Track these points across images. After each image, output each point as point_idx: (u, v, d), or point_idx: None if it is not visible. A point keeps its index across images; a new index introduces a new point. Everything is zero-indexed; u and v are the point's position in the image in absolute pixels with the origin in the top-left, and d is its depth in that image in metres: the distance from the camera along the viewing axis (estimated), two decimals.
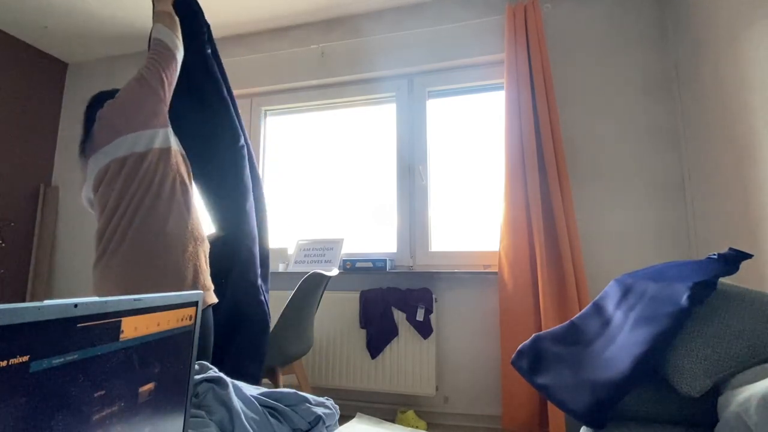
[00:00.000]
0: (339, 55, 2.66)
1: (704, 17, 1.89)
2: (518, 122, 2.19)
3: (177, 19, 1.41)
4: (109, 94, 1.40)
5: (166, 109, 1.29)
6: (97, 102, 1.39)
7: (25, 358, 0.35)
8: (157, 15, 1.38)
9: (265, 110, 2.87)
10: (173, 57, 1.32)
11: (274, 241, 2.74)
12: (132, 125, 1.21)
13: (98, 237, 1.19)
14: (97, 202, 1.22)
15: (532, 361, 1.19)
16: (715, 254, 1.09)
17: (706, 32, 1.88)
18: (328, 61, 2.67)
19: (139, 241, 1.15)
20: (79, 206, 3.10)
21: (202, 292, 0.63)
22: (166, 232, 1.17)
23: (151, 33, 1.38)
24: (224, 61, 2.86)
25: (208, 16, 2.73)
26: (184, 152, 1.34)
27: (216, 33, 2.95)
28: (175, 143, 1.29)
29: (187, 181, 1.28)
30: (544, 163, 2.12)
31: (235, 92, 2.82)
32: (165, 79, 1.28)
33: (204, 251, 1.28)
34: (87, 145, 1.29)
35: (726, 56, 1.74)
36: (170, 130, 1.29)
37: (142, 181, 1.17)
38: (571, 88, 2.30)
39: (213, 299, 1.29)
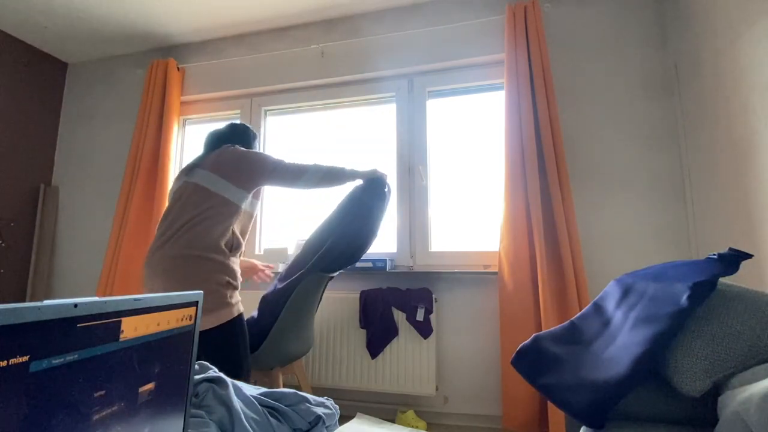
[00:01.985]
0: (339, 55, 2.66)
1: (704, 17, 1.89)
2: (518, 122, 2.19)
3: (339, 180, 1.74)
4: (239, 137, 1.75)
5: (259, 185, 1.63)
6: (230, 135, 1.74)
7: (25, 358, 0.35)
8: (360, 172, 1.77)
9: (265, 110, 2.87)
10: (295, 180, 1.64)
11: (274, 241, 2.74)
12: (229, 176, 1.55)
13: (163, 228, 1.52)
14: (175, 201, 1.57)
15: (532, 361, 1.19)
16: (715, 254, 1.09)
17: (706, 32, 1.88)
18: (328, 61, 2.67)
19: (185, 246, 1.46)
20: (79, 206, 3.10)
21: (201, 292, 0.64)
22: (203, 248, 1.48)
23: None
24: (224, 61, 2.88)
25: (209, 16, 2.74)
26: (252, 213, 1.69)
27: (216, 33, 2.95)
28: (247, 206, 1.62)
29: (235, 230, 1.59)
30: (544, 163, 2.12)
31: (235, 92, 2.85)
32: (274, 180, 1.62)
33: (228, 275, 1.51)
34: (200, 158, 1.63)
35: (726, 56, 1.74)
36: (251, 196, 1.63)
37: (204, 211, 1.51)
38: (571, 88, 2.30)
39: (224, 318, 1.47)
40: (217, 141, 1.72)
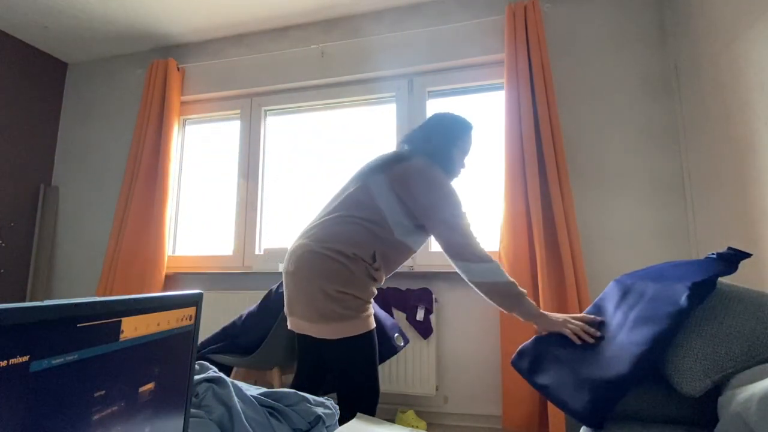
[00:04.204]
0: (339, 55, 2.66)
1: (704, 17, 1.89)
2: (518, 122, 2.19)
3: (505, 304, 1.33)
4: (435, 140, 1.45)
5: (422, 223, 1.35)
6: (428, 134, 1.46)
7: (25, 358, 0.35)
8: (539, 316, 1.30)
9: (265, 110, 2.87)
10: (455, 253, 1.30)
11: (274, 241, 2.74)
12: (400, 196, 1.32)
13: (313, 220, 1.39)
14: (341, 192, 1.41)
15: (532, 361, 1.19)
16: (714, 254, 1.09)
17: (706, 32, 1.88)
18: (328, 61, 2.67)
19: (317, 241, 1.29)
20: (79, 206, 3.10)
21: (201, 292, 0.63)
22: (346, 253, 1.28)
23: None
24: (224, 61, 2.88)
25: (209, 16, 2.75)
26: (410, 247, 1.40)
27: (216, 33, 2.95)
28: (403, 235, 1.34)
29: (377, 254, 1.32)
30: (544, 163, 2.12)
31: (235, 92, 2.85)
32: (436, 231, 1.32)
33: (356, 287, 1.29)
34: (389, 161, 1.38)
35: (726, 56, 1.74)
36: (414, 227, 1.35)
37: (356, 217, 1.31)
38: (571, 88, 2.30)
39: (365, 328, 1.29)
40: (414, 142, 1.45)
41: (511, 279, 1.30)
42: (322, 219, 1.35)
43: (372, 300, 1.36)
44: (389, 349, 1.68)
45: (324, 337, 1.25)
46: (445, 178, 1.36)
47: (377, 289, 1.42)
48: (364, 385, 1.29)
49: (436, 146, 1.42)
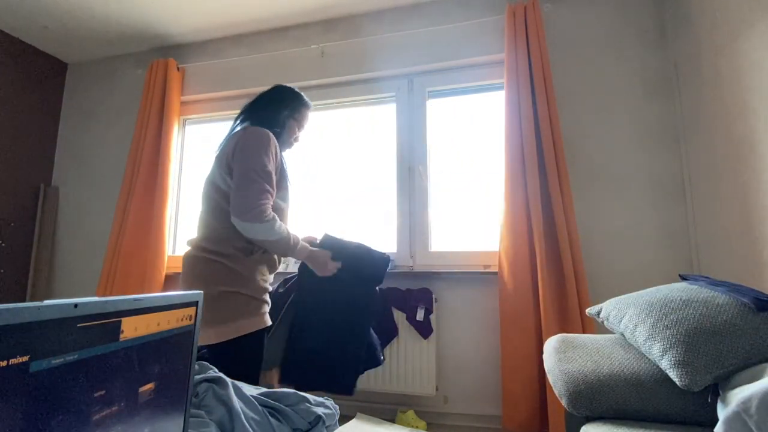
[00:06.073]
0: (339, 55, 2.66)
1: (704, 17, 1.89)
2: (518, 122, 2.19)
3: (294, 252, 1.42)
4: (263, 108, 1.56)
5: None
6: (255, 107, 1.59)
7: (25, 358, 0.35)
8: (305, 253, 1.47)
9: None
10: (234, 209, 1.29)
11: None
12: (223, 166, 1.41)
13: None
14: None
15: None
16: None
17: (706, 32, 1.88)
18: (328, 61, 2.67)
19: (193, 246, 1.41)
20: (79, 206, 3.10)
21: (201, 292, 0.63)
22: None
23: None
24: (224, 61, 2.87)
25: (209, 16, 2.74)
26: (280, 206, 1.51)
27: (216, 33, 2.95)
28: None
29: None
30: (544, 163, 2.12)
31: (235, 92, 2.84)
32: (233, 187, 1.33)
33: (240, 283, 1.31)
34: (221, 147, 1.48)
35: (726, 56, 1.74)
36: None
37: (213, 209, 1.42)
38: (571, 88, 2.30)
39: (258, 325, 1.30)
40: (245, 114, 1.55)
41: (285, 234, 1.34)
42: (198, 221, 1.40)
43: (266, 296, 1.36)
44: (375, 361, 1.73)
45: (206, 343, 1.23)
46: (270, 137, 1.38)
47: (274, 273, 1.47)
48: None
49: (266, 112, 1.50)
